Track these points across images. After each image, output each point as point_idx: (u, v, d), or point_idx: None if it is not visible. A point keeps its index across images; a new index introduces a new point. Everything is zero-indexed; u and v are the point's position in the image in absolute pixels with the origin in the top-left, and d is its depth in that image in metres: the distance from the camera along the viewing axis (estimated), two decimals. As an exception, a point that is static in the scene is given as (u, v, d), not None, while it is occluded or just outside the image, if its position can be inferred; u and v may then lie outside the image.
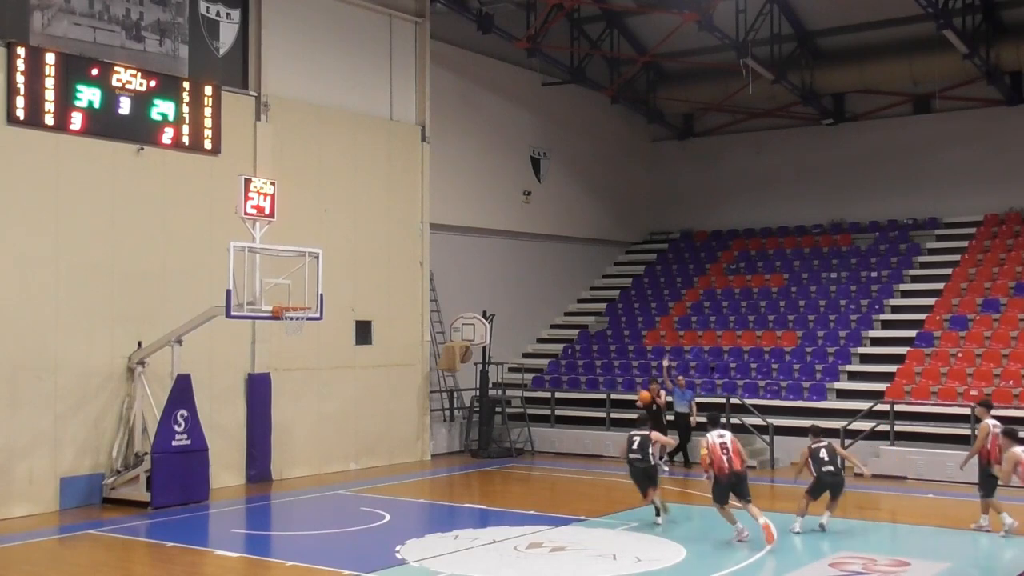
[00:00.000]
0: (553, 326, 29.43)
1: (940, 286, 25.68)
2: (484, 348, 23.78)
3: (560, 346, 28.03)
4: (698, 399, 22.08)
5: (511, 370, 25.95)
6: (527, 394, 25.47)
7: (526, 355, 28.10)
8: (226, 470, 19.03)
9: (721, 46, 25.79)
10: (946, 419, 20.59)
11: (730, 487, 14.12)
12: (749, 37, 25.14)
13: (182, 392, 17.34)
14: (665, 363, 22.77)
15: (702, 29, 24.29)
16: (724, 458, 14.05)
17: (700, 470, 15.11)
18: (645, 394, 20.70)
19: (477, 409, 24.19)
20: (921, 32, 25.14)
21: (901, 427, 20.62)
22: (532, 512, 16.06)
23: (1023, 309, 23.56)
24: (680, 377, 22.76)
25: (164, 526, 15.69)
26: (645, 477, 15.24)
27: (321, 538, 15.01)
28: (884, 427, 20.65)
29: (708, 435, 14.42)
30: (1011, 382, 21.32)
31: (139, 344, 17.68)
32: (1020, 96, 26.98)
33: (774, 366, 24.31)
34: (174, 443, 17.11)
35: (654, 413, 20.37)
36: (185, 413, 17.30)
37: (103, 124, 17.42)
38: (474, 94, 26.44)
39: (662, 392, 21.28)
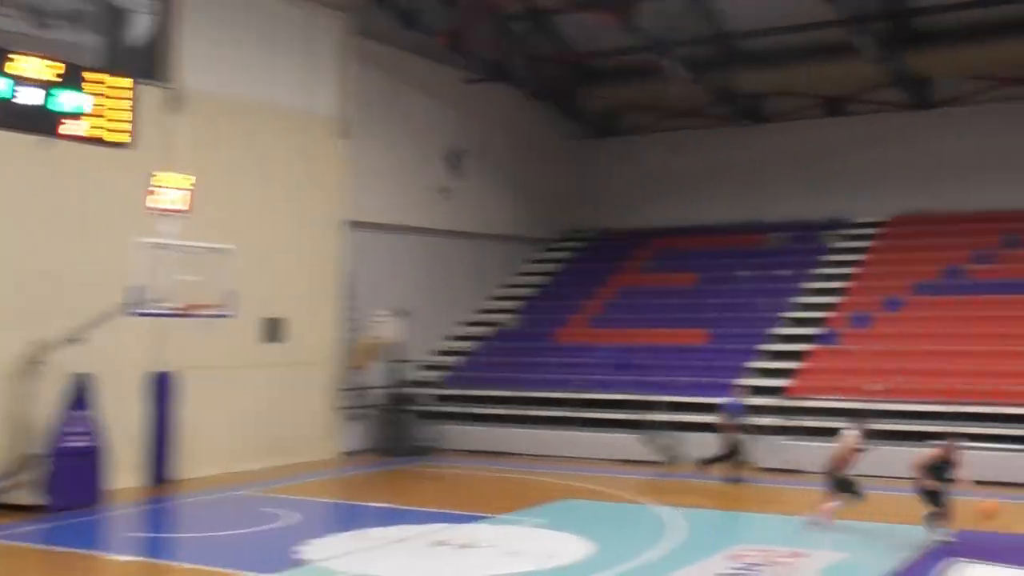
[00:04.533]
0: (468, 323, 29.28)
1: (846, 284, 26.24)
2: (397, 346, 23.70)
3: (474, 344, 28.01)
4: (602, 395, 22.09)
5: (424, 368, 25.88)
6: (440, 392, 25.43)
7: (440, 352, 27.96)
8: (127, 471, 18.51)
9: (643, 46, 25.94)
10: (847, 414, 21.01)
11: None
12: (670, 38, 25.37)
13: (81, 391, 16.95)
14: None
15: (624, 29, 24.44)
16: None
17: None
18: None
19: (389, 407, 24.06)
20: (835, 38, 25.48)
21: (807, 422, 21.16)
22: (441, 510, 16.06)
23: (926, 308, 24.17)
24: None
25: (58, 531, 15.22)
26: None
27: (222, 539, 14.78)
28: (791, 423, 21.12)
29: None
30: (914, 378, 21.81)
31: (37, 342, 17.18)
32: (929, 101, 27.63)
33: (684, 364, 24.53)
34: (71, 444, 16.67)
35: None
36: (84, 413, 16.89)
37: (6, 115, 16.89)
38: (396, 90, 26.13)
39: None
